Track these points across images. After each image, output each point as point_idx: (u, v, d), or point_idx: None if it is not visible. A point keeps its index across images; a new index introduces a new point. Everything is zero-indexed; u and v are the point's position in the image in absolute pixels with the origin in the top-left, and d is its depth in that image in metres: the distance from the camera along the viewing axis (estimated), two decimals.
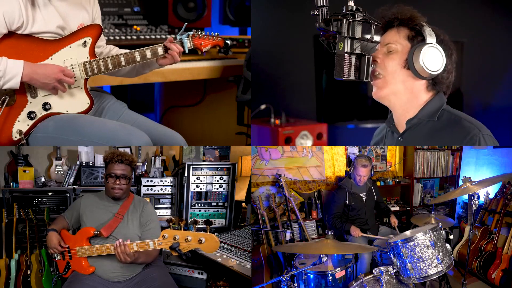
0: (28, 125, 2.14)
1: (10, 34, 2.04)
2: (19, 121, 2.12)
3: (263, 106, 3.86)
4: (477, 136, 1.70)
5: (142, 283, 2.31)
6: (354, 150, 3.81)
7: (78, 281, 2.23)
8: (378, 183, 3.85)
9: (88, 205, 2.42)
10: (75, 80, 2.16)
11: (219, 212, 3.39)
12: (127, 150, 3.29)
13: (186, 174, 3.34)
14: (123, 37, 3.05)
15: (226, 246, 2.72)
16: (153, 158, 3.55)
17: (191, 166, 3.35)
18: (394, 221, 3.23)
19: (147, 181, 3.39)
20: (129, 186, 2.41)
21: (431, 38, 1.77)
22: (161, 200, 3.40)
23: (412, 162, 4.01)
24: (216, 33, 2.48)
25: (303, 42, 4.12)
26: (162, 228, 2.34)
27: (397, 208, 3.99)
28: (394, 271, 2.33)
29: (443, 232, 2.41)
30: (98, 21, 2.36)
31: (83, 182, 3.30)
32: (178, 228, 2.12)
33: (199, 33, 2.42)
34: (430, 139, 1.84)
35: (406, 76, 1.81)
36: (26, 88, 2.11)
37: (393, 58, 1.81)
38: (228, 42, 2.56)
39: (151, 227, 2.39)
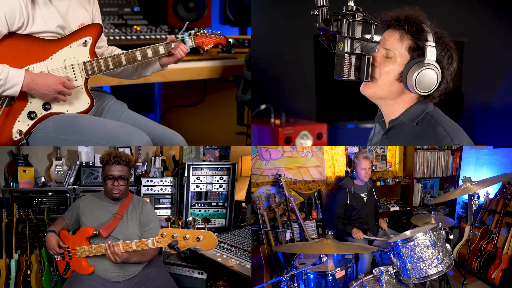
0: (28, 125, 2.14)
1: (10, 34, 2.04)
2: (19, 121, 2.12)
3: (263, 106, 3.87)
4: (448, 146, 1.72)
5: (142, 283, 2.31)
6: (354, 150, 3.81)
7: (78, 281, 2.23)
8: (378, 183, 3.85)
9: (88, 205, 2.42)
10: (76, 80, 2.16)
11: (219, 212, 3.39)
12: (127, 150, 3.29)
13: (186, 174, 3.34)
14: (123, 37, 3.05)
15: (226, 246, 2.71)
16: (153, 158, 3.54)
17: (191, 166, 3.35)
18: (383, 225, 3.26)
19: (147, 181, 3.39)
20: (128, 186, 2.42)
21: (430, 57, 1.74)
22: (161, 200, 3.40)
23: (412, 162, 4.01)
24: (219, 32, 2.48)
25: (303, 42, 4.11)
26: (162, 227, 2.35)
27: (397, 208, 3.99)
28: (394, 271, 2.33)
29: (443, 232, 2.41)
30: (98, 20, 2.36)
31: (83, 182, 3.29)
32: (177, 227, 2.13)
33: (201, 31, 2.41)
34: (410, 141, 1.86)
35: (397, 88, 1.81)
36: None
37: (389, 67, 1.79)
38: (231, 40, 2.54)
39: (152, 227, 2.40)
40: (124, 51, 2.26)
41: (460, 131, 1.81)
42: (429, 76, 1.74)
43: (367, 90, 1.85)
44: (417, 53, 1.76)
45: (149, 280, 2.31)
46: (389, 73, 1.79)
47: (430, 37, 1.75)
